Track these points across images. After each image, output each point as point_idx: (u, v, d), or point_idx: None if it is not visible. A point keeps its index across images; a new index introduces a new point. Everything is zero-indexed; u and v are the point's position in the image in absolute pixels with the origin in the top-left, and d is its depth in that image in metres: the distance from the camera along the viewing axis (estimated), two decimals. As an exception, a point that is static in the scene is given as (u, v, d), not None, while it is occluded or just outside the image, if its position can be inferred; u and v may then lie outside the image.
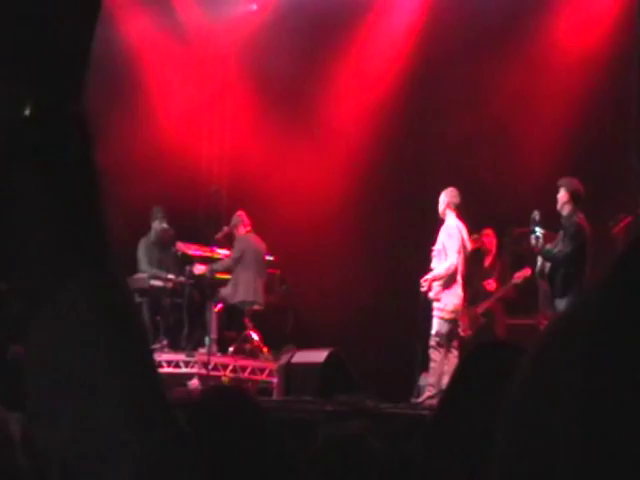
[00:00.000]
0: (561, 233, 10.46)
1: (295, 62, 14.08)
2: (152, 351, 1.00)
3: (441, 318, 10.93)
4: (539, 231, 10.47)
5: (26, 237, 0.93)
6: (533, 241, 10.50)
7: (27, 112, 0.91)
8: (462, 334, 11.69)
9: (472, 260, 11.71)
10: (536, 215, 10.54)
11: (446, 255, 10.89)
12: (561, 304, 10.25)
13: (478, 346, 2.27)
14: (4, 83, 0.92)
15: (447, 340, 10.91)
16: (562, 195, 10.42)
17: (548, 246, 10.45)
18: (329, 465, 2.67)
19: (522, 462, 0.77)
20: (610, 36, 12.52)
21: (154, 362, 0.96)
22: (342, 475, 2.69)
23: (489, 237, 12.07)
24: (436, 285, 10.94)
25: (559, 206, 10.45)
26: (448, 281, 10.91)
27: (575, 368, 0.74)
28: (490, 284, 11.98)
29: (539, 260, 10.58)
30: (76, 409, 0.89)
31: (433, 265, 11.02)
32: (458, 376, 1.85)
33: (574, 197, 10.40)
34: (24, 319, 0.93)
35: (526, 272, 11.59)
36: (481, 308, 11.89)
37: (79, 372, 0.89)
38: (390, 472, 2.88)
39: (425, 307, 11.08)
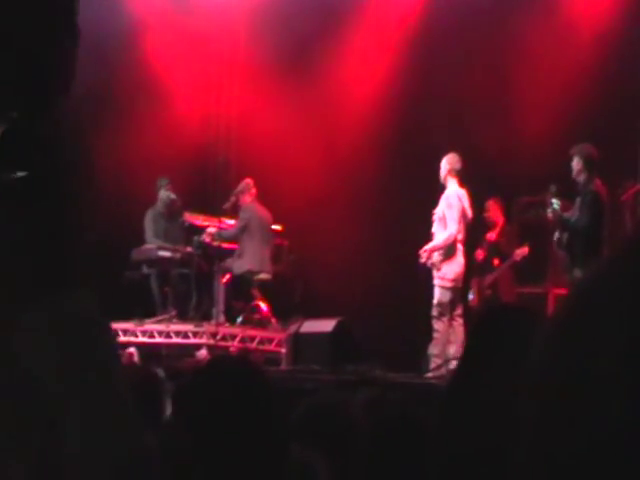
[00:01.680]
0: (578, 201, 10.37)
1: (304, 31, 14.00)
2: (114, 374, 1.01)
3: (442, 287, 10.86)
4: (556, 203, 10.37)
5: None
6: (550, 214, 10.41)
7: None
8: (472, 304, 11.70)
9: (478, 231, 11.70)
10: (553, 188, 10.44)
11: (445, 224, 10.81)
12: (580, 273, 10.21)
13: (488, 310, 2.25)
14: None
15: (450, 309, 10.85)
16: (576, 163, 10.30)
17: (565, 215, 10.37)
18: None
19: (558, 426, 0.75)
20: (623, 4, 12.45)
21: (116, 385, 0.97)
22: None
23: (494, 209, 12.01)
24: (436, 255, 10.86)
25: (574, 174, 10.34)
26: (448, 251, 10.83)
27: (618, 330, 0.72)
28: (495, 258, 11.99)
29: (556, 231, 10.48)
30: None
31: (434, 230, 10.94)
32: (471, 341, 1.83)
33: (589, 163, 10.27)
34: None
35: (524, 250, 11.58)
36: (487, 280, 11.89)
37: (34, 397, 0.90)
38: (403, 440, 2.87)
39: (427, 276, 11.03)
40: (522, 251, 11.59)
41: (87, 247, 1.00)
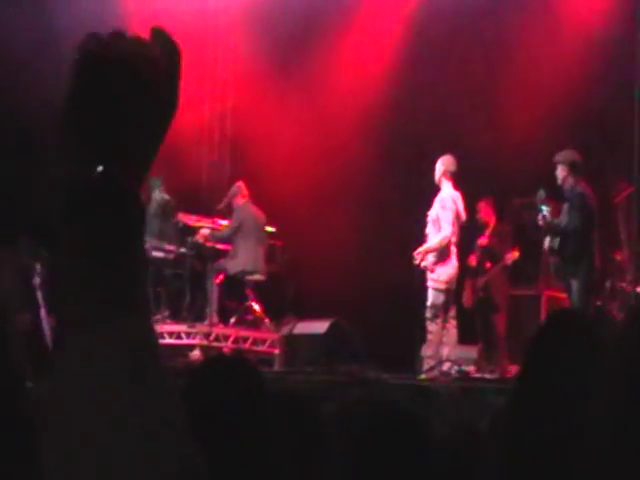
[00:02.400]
0: (566, 205, 10.40)
1: (299, 34, 14.02)
2: (170, 398, 1.06)
3: (436, 289, 10.84)
4: (545, 209, 10.40)
5: (67, 282, 1.05)
6: (541, 221, 10.44)
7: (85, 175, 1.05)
8: (465, 306, 11.71)
9: (472, 233, 11.70)
10: (542, 194, 10.46)
11: (439, 226, 10.79)
12: (574, 278, 10.23)
13: (554, 314, 2.25)
14: (76, 152, 1.07)
15: (444, 311, 10.83)
16: (561, 170, 10.35)
17: (555, 221, 10.40)
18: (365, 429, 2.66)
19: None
20: (613, 8, 12.47)
21: (174, 408, 1.02)
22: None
23: (485, 210, 12.00)
24: (430, 257, 10.85)
25: (560, 182, 10.38)
26: (442, 253, 10.81)
27: None
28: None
29: (547, 237, 10.51)
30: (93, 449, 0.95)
31: (427, 231, 10.93)
32: (537, 344, 1.83)
33: (573, 169, 10.33)
34: (55, 349, 1.04)
35: (514, 254, 11.60)
36: (480, 282, 11.90)
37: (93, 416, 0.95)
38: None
39: (422, 278, 11.01)
40: (512, 255, 11.62)
41: (145, 272, 1.10)
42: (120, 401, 0.97)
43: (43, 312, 8.07)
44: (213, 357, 5.43)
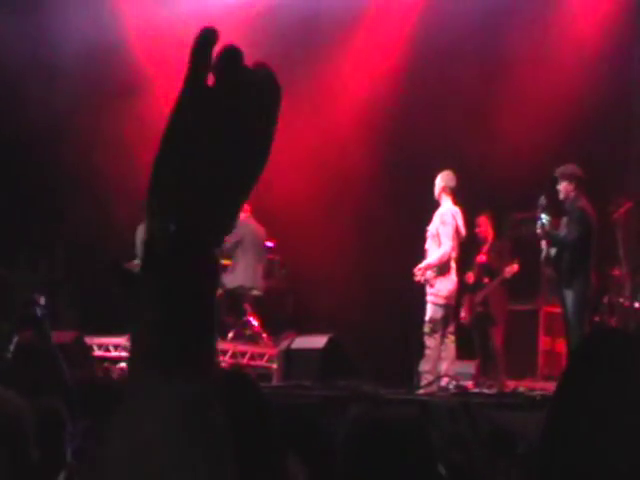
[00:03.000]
0: (566, 218, 10.41)
1: (295, 45, 14.05)
2: (223, 459, 1.07)
3: (435, 304, 10.83)
4: (545, 218, 10.41)
5: (137, 331, 1.06)
6: (539, 229, 10.45)
7: (170, 229, 1.06)
8: (462, 321, 11.69)
9: (471, 247, 11.70)
10: (542, 201, 10.47)
11: (440, 242, 10.80)
12: (568, 291, 10.23)
13: (592, 333, 2.23)
14: (162, 206, 1.07)
15: (442, 326, 10.83)
16: (566, 186, 10.33)
17: (553, 231, 10.40)
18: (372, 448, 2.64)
19: None
20: (611, 19, 12.50)
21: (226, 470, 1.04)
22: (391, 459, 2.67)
23: (485, 224, 11.98)
24: (430, 271, 10.85)
25: (564, 196, 10.38)
26: (442, 268, 10.81)
27: None
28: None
29: (544, 246, 10.52)
30: None
31: (427, 246, 10.94)
32: (574, 365, 1.82)
33: (578, 183, 10.35)
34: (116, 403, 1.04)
35: (514, 268, 11.58)
36: (479, 297, 11.89)
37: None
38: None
39: (420, 293, 11.00)
40: (511, 269, 11.60)
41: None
42: (176, 463, 0.98)
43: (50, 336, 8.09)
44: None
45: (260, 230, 13.42)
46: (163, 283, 1.04)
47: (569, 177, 10.32)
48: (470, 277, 11.90)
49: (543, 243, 10.54)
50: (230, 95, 1.08)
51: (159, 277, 1.04)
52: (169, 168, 1.07)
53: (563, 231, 10.37)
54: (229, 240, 13.39)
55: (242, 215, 13.38)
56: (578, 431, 1.62)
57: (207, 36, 1.11)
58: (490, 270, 11.95)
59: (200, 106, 1.08)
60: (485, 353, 11.88)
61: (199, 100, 1.08)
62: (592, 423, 1.58)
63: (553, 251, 10.42)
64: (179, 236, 1.05)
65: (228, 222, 1.11)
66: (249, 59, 1.09)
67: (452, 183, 10.86)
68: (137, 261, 13.57)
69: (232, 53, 1.09)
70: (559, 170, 10.40)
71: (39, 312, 7.91)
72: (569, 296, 10.26)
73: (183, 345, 1.03)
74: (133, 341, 1.06)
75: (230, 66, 1.09)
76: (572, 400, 1.70)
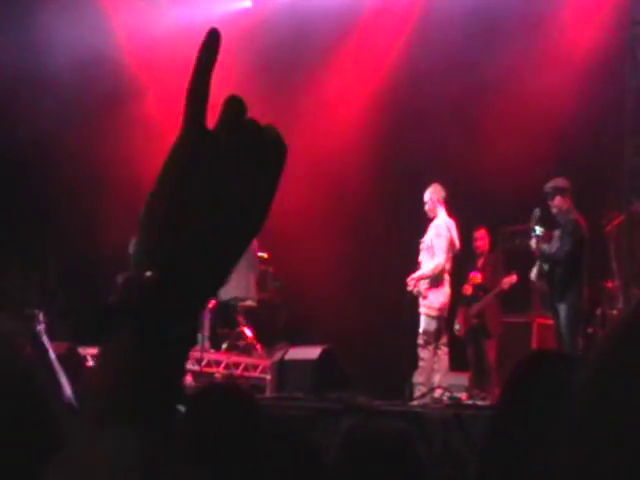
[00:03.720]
0: (558, 231, 10.42)
1: (292, 53, 14.09)
2: None
3: (428, 315, 10.85)
4: (539, 230, 10.41)
5: (101, 374, 1.02)
6: (533, 244, 10.43)
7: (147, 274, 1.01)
8: (458, 334, 11.70)
9: (465, 260, 11.71)
10: (537, 212, 10.46)
11: (433, 253, 10.82)
12: (561, 304, 10.22)
13: (530, 355, 2.25)
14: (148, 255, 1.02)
15: (435, 338, 10.84)
16: (559, 200, 10.31)
17: (545, 246, 10.39)
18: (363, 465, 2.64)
19: (595, 462, 0.77)
20: (602, 33, 12.55)
21: None
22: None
23: (483, 239, 11.98)
24: (423, 283, 10.87)
25: (557, 211, 10.36)
26: (435, 280, 10.83)
27: None
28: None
29: (537, 263, 10.51)
30: None
31: (420, 259, 10.95)
32: (512, 386, 1.84)
33: (569, 196, 10.36)
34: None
35: (512, 278, 11.58)
36: (474, 309, 11.90)
37: None
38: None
39: (413, 305, 11.02)
40: (510, 279, 11.59)
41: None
42: None
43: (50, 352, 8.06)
44: (208, 385, 5.39)
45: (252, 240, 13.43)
46: (132, 330, 1.00)
47: (562, 191, 10.32)
48: (468, 289, 11.90)
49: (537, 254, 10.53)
50: (233, 151, 1.04)
51: (130, 323, 1.00)
52: (159, 211, 1.03)
53: (556, 244, 10.36)
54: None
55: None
56: (513, 447, 1.64)
57: (213, 38, 1.10)
58: (484, 285, 11.94)
59: (200, 153, 1.03)
60: (478, 365, 11.88)
61: (200, 146, 1.04)
62: (527, 439, 1.60)
63: (546, 266, 10.43)
64: (155, 284, 1.00)
65: (215, 282, 1.08)
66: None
67: (443, 193, 10.93)
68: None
69: (236, 104, 1.08)
70: (550, 185, 10.39)
71: (38, 327, 7.89)
72: (562, 309, 10.27)
73: (145, 394, 0.99)
74: (93, 380, 1.03)
75: (234, 120, 1.06)
76: (510, 416, 1.72)
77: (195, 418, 2.38)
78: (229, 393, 2.48)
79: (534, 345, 12.16)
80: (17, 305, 11.99)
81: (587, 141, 12.16)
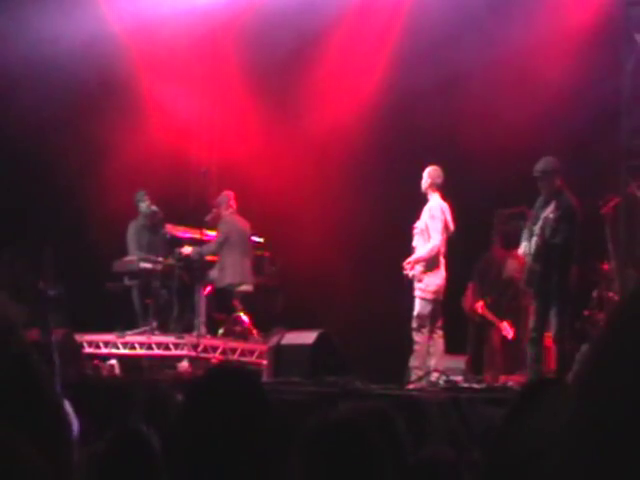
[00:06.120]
0: (552, 214, 10.26)
1: (287, 48, 14.05)
2: None
3: (423, 299, 10.78)
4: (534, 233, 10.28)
5: None
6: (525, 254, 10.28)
7: None
8: (465, 310, 11.75)
9: (458, 243, 11.69)
10: (551, 215, 10.07)
11: (429, 236, 10.77)
12: (551, 285, 10.06)
13: (532, 383, 2.24)
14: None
15: (430, 321, 10.80)
16: (550, 181, 10.06)
17: (539, 228, 10.15)
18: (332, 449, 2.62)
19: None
20: (599, 12, 12.54)
21: None
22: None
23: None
24: (418, 266, 10.81)
25: (548, 192, 10.06)
26: (431, 262, 10.78)
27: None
28: None
29: (531, 239, 10.23)
30: None
31: (415, 243, 10.90)
32: (513, 413, 1.83)
33: (561, 176, 10.15)
34: None
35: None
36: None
37: None
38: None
39: (409, 288, 10.96)
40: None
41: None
42: None
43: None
44: (215, 367, 5.35)
45: (245, 225, 13.45)
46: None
47: (554, 173, 10.11)
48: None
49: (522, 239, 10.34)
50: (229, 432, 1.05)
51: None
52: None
53: (549, 225, 10.00)
54: (216, 240, 13.40)
55: (226, 211, 13.41)
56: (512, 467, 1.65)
57: None
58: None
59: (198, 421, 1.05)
60: (478, 348, 11.90)
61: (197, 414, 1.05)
62: (526, 457, 1.61)
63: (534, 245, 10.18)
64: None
65: None
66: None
67: (439, 180, 10.82)
68: (129, 257, 13.59)
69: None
70: (540, 167, 10.13)
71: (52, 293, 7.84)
72: (552, 290, 10.06)
73: None
74: None
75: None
76: (510, 437, 1.73)
77: (197, 408, 2.34)
78: (235, 377, 2.42)
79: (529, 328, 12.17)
80: (31, 289, 12.03)
81: (583, 122, 12.13)
